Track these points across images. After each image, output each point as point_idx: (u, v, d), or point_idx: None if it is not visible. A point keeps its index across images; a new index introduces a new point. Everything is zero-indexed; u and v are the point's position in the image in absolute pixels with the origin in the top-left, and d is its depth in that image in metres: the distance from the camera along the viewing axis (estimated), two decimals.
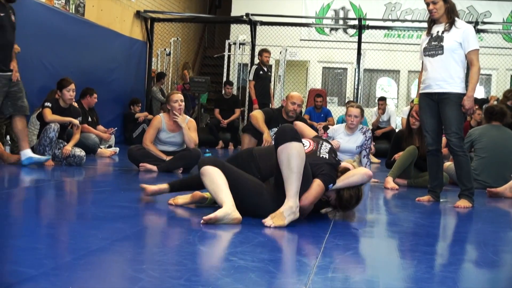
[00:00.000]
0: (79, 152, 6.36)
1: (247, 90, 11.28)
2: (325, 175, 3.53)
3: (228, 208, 3.28)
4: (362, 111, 6.18)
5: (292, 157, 3.28)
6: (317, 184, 3.49)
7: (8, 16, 5.60)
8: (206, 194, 3.91)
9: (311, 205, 3.53)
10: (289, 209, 3.28)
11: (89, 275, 2.17)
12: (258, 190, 3.51)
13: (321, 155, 3.67)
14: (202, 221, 3.22)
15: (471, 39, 4.60)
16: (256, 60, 10.73)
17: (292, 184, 3.29)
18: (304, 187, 3.43)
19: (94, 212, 3.66)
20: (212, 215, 3.23)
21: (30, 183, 5.23)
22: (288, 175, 3.30)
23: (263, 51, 10.22)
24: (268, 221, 3.25)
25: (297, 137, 3.34)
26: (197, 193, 3.95)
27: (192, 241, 2.87)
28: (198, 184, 3.77)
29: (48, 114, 6.38)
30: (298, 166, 3.29)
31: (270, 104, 10.18)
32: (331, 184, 3.56)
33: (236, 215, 3.29)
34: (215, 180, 3.42)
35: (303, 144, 3.76)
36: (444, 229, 4.00)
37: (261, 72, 10.01)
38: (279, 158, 3.32)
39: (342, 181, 3.61)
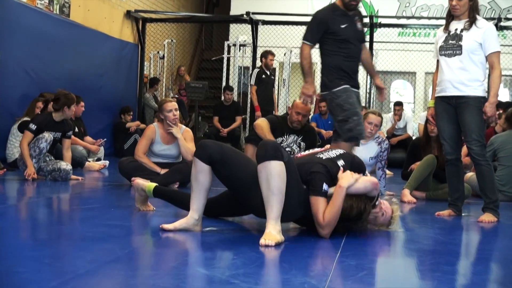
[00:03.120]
0: (65, 165, 6.36)
1: (249, 96, 11.29)
2: (313, 179, 3.50)
3: (191, 222, 3.57)
4: (382, 121, 6.19)
5: (272, 177, 3.31)
6: (314, 201, 3.48)
7: (353, 26, 5.28)
8: (147, 186, 4.19)
9: (333, 220, 3.49)
10: (273, 230, 3.31)
11: None
12: (248, 185, 3.53)
13: (318, 155, 3.70)
14: (162, 228, 3.57)
15: (492, 40, 4.60)
16: (258, 63, 10.75)
17: (272, 206, 3.34)
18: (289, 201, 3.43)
19: (82, 231, 3.66)
20: (171, 226, 3.56)
21: (12, 201, 5.24)
22: (268, 197, 3.34)
23: (268, 53, 10.22)
24: (263, 241, 3.25)
25: (278, 154, 3.36)
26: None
27: (190, 263, 2.86)
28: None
29: (24, 138, 6.29)
30: (278, 188, 3.33)
31: (274, 111, 10.18)
32: (325, 185, 3.51)
33: (196, 229, 3.58)
34: (198, 178, 3.56)
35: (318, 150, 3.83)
36: (466, 246, 3.99)
37: (263, 76, 10.02)
38: (259, 176, 3.37)
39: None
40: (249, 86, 10.21)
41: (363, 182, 3.58)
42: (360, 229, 3.68)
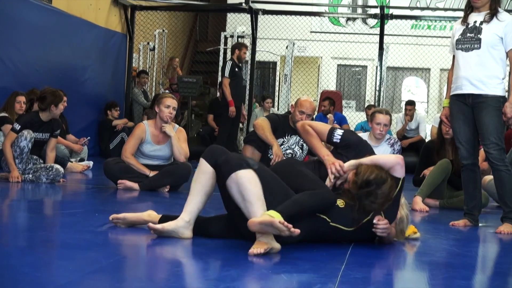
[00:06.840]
0: (59, 167, 6.37)
1: (246, 93, 11.30)
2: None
3: (181, 224, 3.59)
4: (391, 118, 6.20)
5: (243, 187, 3.33)
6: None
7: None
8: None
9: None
10: (264, 237, 3.32)
11: None
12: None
13: None
14: (149, 227, 3.61)
15: None
16: (230, 55, 10.77)
17: (256, 214, 3.31)
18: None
19: (63, 238, 3.67)
20: (159, 226, 3.59)
21: None
22: (247, 209, 3.34)
23: (242, 45, 10.31)
24: (253, 250, 3.25)
25: (242, 163, 3.40)
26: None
27: (181, 275, 2.87)
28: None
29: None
30: (255, 194, 3.34)
31: (242, 107, 10.26)
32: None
33: (186, 234, 3.59)
34: (199, 179, 3.61)
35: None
36: (483, 260, 4.00)
37: (236, 69, 10.09)
38: (230, 194, 3.40)
39: (367, 159, 3.77)
40: (222, 78, 10.24)
41: (388, 156, 3.79)
42: (368, 208, 3.60)
